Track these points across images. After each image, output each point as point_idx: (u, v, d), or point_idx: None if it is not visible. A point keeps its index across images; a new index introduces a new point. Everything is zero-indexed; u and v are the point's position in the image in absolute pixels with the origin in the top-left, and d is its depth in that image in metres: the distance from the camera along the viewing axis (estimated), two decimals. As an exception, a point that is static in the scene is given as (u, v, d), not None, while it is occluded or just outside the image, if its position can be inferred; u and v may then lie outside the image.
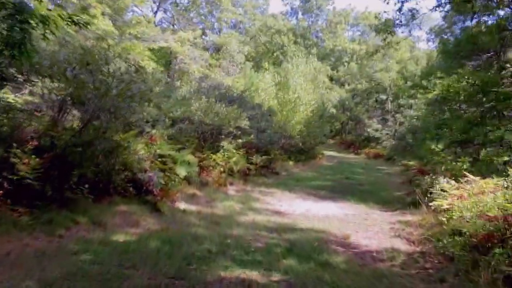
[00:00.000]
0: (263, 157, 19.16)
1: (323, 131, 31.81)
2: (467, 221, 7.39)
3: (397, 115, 40.97)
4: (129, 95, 9.06)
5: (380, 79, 42.89)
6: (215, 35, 46.81)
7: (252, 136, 17.85)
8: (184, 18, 42.54)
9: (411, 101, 40.47)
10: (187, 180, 12.41)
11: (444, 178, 12.08)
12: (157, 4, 39.75)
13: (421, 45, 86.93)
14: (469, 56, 22.34)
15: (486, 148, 11.78)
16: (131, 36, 24.12)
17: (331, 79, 51.29)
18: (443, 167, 11.87)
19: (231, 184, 14.92)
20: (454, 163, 11.67)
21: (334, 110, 44.77)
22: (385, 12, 30.80)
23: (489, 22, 17.37)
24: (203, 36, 43.05)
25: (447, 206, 8.64)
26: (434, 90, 26.62)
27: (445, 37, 34.66)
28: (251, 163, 18.10)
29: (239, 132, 16.51)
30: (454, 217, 8.06)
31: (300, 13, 63.43)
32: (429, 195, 11.29)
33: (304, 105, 27.51)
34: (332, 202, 13.47)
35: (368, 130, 42.59)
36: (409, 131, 32.06)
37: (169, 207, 9.98)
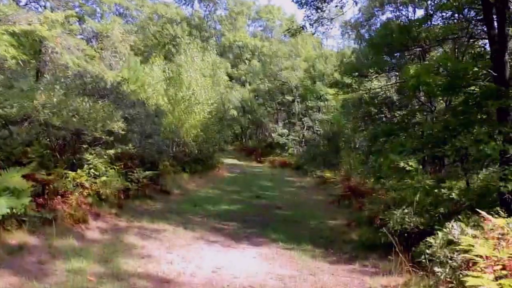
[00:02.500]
0: (148, 172, 14.79)
1: (223, 136, 27.84)
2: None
3: (305, 119, 38.18)
4: None
5: (286, 78, 39.86)
6: (95, 22, 41.16)
7: (130, 145, 13.39)
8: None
9: (320, 103, 37.94)
10: (13, 219, 7.81)
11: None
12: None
13: (329, 42, 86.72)
14: (402, 49, 19.76)
15: (482, 168, 8.48)
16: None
17: (230, 78, 47.62)
18: (417, 196, 8.37)
19: (96, 216, 10.37)
20: (436, 190, 8.20)
21: (235, 112, 41.12)
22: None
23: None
24: (81, 23, 37.49)
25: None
26: (358, 89, 23.85)
27: (363, 31, 32.50)
28: (131, 181, 13.69)
29: (111, 139, 12.02)
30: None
31: (196, 0, 59.14)
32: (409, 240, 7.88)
33: (201, 105, 23.38)
34: (251, 247, 9.32)
35: (273, 135, 39.36)
36: (324, 137, 29.06)
37: None
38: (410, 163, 8.86)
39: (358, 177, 21.17)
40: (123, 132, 12.44)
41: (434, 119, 10.54)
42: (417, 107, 16.39)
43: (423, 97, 20.16)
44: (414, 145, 9.84)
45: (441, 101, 17.02)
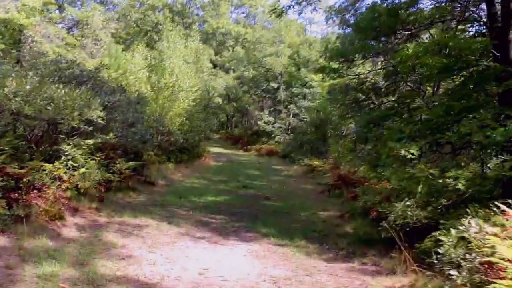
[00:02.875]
0: (132, 162, 14.05)
1: (209, 124, 27.10)
2: None
3: (291, 106, 37.49)
4: None
5: (271, 65, 39.06)
6: (75, 10, 39.90)
7: (111, 134, 12.63)
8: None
9: (306, 90, 37.29)
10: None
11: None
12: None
13: (313, 27, 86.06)
14: (389, 33, 19.21)
15: (491, 156, 7.85)
16: None
17: (214, 65, 46.70)
18: (419, 187, 7.75)
19: (75, 212, 9.63)
20: (440, 180, 7.59)
21: (220, 100, 40.31)
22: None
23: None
24: (61, 11, 36.29)
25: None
26: (346, 75, 23.22)
27: (347, 16, 31.77)
28: (113, 173, 12.94)
29: (90, 128, 11.25)
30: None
31: (178, -14, 57.81)
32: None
33: (185, 92, 22.57)
34: (241, 243, 8.64)
35: (259, 123, 38.65)
36: (311, 124, 28.42)
37: None
38: (412, 151, 8.25)
39: (347, 166, 20.64)
40: (102, 122, 11.67)
41: (434, 103, 9.91)
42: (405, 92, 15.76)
43: (409, 83, 19.60)
44: (414, 131, 9.21)
45: (429, 87, 16.49)
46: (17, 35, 25.53)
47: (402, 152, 8.14)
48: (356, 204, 12.84)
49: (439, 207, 7.82)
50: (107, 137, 12.50)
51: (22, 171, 8.59)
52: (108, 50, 28.43)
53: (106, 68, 15.88)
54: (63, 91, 10.52)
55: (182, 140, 22.21)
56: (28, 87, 9.90)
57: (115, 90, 13.96)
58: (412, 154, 8.23)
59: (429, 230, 7.38)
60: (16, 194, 8.69)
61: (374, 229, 9.59)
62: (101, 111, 11.58)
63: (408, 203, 7.94)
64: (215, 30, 54.13)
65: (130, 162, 14.07)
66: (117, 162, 13.64)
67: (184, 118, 22.74)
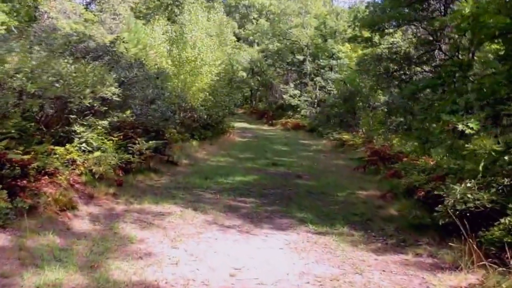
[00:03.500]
0: (152, 141, 13.03)
1: (233, 99, 25.90)
2: None
3: (317, 79, 36.02)
4: None
5: (297, 36, 37.47)
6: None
7: (128, 112, 11.59)
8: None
9: (333, 61, 35.76)
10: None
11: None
12: None
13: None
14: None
15: None
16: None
17: (238, 38, 45.25)
18: (480, 165, 6.48)
19: (89, 199, 8.65)
20: (506, 157, 6.33)
21: (244, 74, 39.01)
22: None
23: None
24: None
25: None
26: (378, 44, 21.78)
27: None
28: (133, 153, 11.94)
29: (105, 108, 10.22)
30: None
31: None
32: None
33: (208, 66, 21.39)
34: (276, 232, 7.54)
35: (284, 96, 37.28)
36: (340, 97, 26.97)
37: None
38: (471, 125, 6.97)
39: (381, 139, 19.37)
40: (118, 99, 10.61)
41: (494, 71, 8.55)
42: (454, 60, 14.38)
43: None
44: (469, 102, 7.92)
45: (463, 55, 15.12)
46: (32, 11, 24.53)
47: (460, 126, 6.87)
48: (397, 182, 11.66)
49: (500, 188, 6.60)
50: (124, 115, 11.46)
51: (26, 156, 7.58)
52: (127, 25, 27.24)
53: (123, 41, 14.76)
54: (72, 66, 9.46)
55: (205, 116, 21.15)
56: (33, 62, 8.85)
57: (132, 64, 12.84)
58: (471, 128, 6.95)
59: (492, 216, 6.22)
60: (25, 182, 7.74)
61: (422, 211, 8.44)
62: (116, 88, 10.53)
63: (469, 184, 6.71)
64: (238, 3, 52.52)
65: (151, 142, 13.05)
66: (137, 141, 12.66)
67: (208, 93, 21.60)
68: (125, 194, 9.66)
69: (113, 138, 11.34)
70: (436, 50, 21.88)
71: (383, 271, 5.92)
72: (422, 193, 9.01)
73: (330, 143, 23.90)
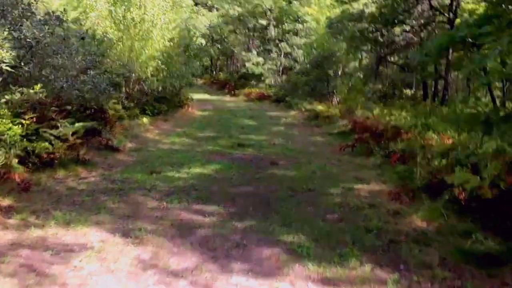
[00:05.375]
0: (80, 124, 9.59)
1: (191, 68, 22.26)
2: None
3: (282, 44, 32.59)
4: None
5: (259, -1, 33.83)
6: None
7: (38, 86, 8.07)
8: None
9: (299, 25, 32.41)
10: None
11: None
12: None
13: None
14: None
15: None
16: None
17: (195, 3, 41.06)
18: None
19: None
20: None
21: (203, 41, 35.24)
22: None
23: None
24: None
25: None
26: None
27: None
28: (50, 142, 8.54)
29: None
30: None
31: None
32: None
33: (159, 30, 17.75)
34: (254, 282, 4.35)
35: (246, 64, 33.72)
36: (311, 63, 23.62)
37: None
38: None
39: (362, 110, 16.43)
40: (10, 69, 7.14)
41: None
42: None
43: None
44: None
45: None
46: None
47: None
48: (404, 170, 8.67)
49: None
50: (32, 91, 7.97)
51: None
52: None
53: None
54: None
55: (160, 88, 17.69)
56: None
57: (47, 21, 9.22)
58: None
59: None
60: None
61: (468, 222, 5.49)
62: (11, 52, 7.02)
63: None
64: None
65: (78, 124, 9.65)
66: (60, 124, 9.27)
67: (160, 62, 17.98)
68: (27, 207, 6.31)
69: (23, 122, 7.99)
70: (419, 6, 19.00)
71: None
72: (462, 194, 6.05)
73: (302, 114, 20.77)
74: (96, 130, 11.46)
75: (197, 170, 9.36)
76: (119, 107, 14.16)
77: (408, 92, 26.21)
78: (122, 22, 16.28)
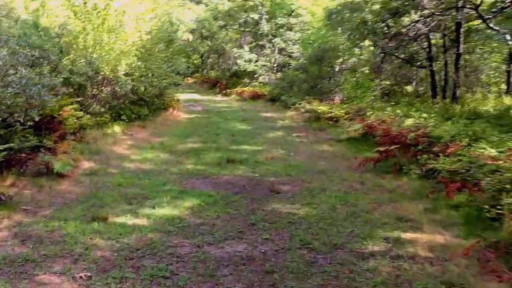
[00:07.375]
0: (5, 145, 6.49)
1: (175, 66, 18.98)
2: None
3: (276, 39, 29.39)
4: None
5: (250, -9, 30.56)
6: None
7: None
8: None
9: (293, 19, 29.27)
10: None
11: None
12: None
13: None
14: None
15: None
16: None
17: (181, -3, 37.71)
18: None
19: None
20: None
21: (190, 36, 31.98)
22: None
23: None
24: None
25: None
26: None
27: None
28: None
29: None
30: None
31: None
32: None
33: (134, 21, 14.56)
34: None
35: (238, 62, 30.51)
36: (310, 58, 20.38)
37: None
38: None
39: (378, 112, 13.36)
40: None
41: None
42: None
43: None
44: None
45: None
46: None
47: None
48: (468, 203, 5.59)
49: None
50: None
51: None
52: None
53: None
54: None
55: (133, 90, 14.52)
56: None
57: None
58: None
59: None
60: None
61: None
62: None
63: None
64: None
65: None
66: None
67: (136, 59, 14.75)
68: None
69: None
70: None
71: None
72: None
73: (300, 115, 17.62)
74: (40, 147, 8.42)
75: (164, 210, 6.16)
76: (81, 114, 11.02)
77: (408, 88, 23.29)
78: (82, 10, 13.01)
